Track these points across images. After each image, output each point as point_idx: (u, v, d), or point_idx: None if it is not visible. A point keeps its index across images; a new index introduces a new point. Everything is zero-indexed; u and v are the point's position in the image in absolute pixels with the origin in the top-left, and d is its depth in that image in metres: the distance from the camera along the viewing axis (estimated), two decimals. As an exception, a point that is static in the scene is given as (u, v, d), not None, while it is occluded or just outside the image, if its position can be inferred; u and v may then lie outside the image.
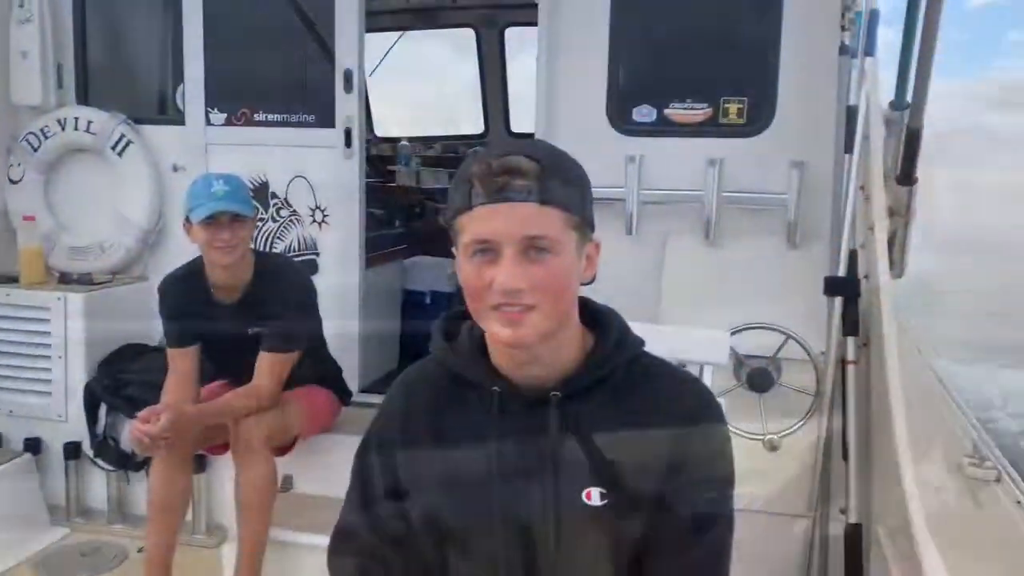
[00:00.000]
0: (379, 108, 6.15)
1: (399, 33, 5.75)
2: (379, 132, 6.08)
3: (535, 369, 1.10)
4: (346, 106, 3.33)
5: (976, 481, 2.42)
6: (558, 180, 1.01)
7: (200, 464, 2.94)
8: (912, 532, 1.78)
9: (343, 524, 1.23)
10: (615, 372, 1.12)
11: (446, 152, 5.91)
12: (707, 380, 1.62)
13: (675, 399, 1.11)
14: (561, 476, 1.08)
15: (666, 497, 1.07)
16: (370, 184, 4.01)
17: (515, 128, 5.75)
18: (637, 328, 1.20)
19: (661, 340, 1.57)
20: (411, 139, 5.86)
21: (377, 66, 5.76)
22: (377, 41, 5.62)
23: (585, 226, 1.06)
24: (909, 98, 2.45)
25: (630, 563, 1.10)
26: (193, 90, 3.51)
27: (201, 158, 3.51)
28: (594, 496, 1.07)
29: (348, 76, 3.31)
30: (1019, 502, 2.30)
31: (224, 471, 2.87)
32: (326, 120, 3.37)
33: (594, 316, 1.16)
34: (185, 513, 2.72)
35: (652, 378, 1.13)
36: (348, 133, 3.34)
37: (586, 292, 1.14)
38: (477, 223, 1.01)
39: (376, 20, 5.36)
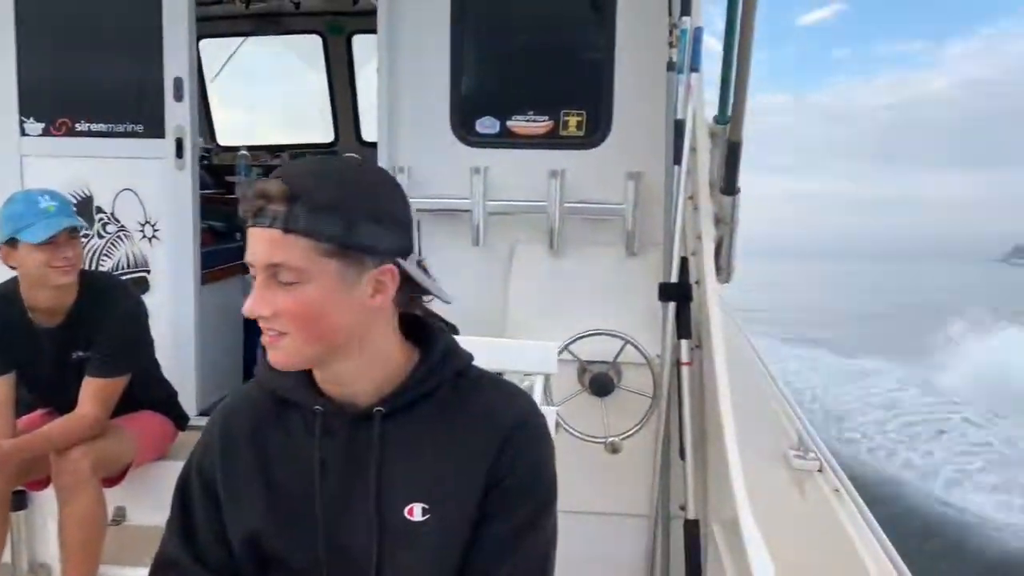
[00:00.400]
0: (223, 116, 5.93)
1: (243, 39, 5.56)
2: (222, 141, 5.84)
3: (354, 387, 1.09)
4: (176, 115, 3.18)
5: (800, 472, 2.59)
6: (308, 207, 0.98)
7: (20, 501, 2.71)
8: (739, 525, 1.87)
9: (163, 553, 1.17)
10: (440, 387, 1.11)
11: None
12: (538, 390, 1.65)
13: (497, 413, 1.11)
14: (383, 494, 1.08)
15: (488, 510, 1.07)
16: (209, 196, 3.84)
17: (366, 137, 5.67)
18: (468, 342, 1.20)
19: (493, 353, 1.58)
20: (258, 148, 5.66)
21: (219, 72, 5.55)
22: (224, 47, 5.44)
23: (356, 252, 1.01)
24: (731, 112, 2.59)
25: None
26: (3, 98, 3.24)
27: (15, 172, 3.24)
28: (416, 512, 1.07)
29: (178, 84, 3.15)
30: (837, 490, 2.48)
31: (47, 506, 2.66)
32: (155, 130, 3.20)
33: (421, 332, 1.16)
34: (1, 554, 2.50)
35: (476, 392, 1.14)
36: (179, 143, 3.18)
37: (438, 301, 1.14)
38: (248, 244, 1.02)
39: (217, 25, 5.17)
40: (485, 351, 1.27)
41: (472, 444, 1.09)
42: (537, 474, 1.12)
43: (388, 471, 1.08)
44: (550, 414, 1.56)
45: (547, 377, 1.69)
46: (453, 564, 1.08)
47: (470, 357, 1.17)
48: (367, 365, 1.09)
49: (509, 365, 1.61)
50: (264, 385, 1.15)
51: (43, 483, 2.59)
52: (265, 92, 6.30)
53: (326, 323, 1.02)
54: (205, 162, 4.94)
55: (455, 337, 1.19)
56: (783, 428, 2.95)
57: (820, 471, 2.56)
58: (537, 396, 1.64)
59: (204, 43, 5.59)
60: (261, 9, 5.17)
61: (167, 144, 3.20)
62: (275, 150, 5.85)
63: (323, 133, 5.87)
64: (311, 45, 5.70)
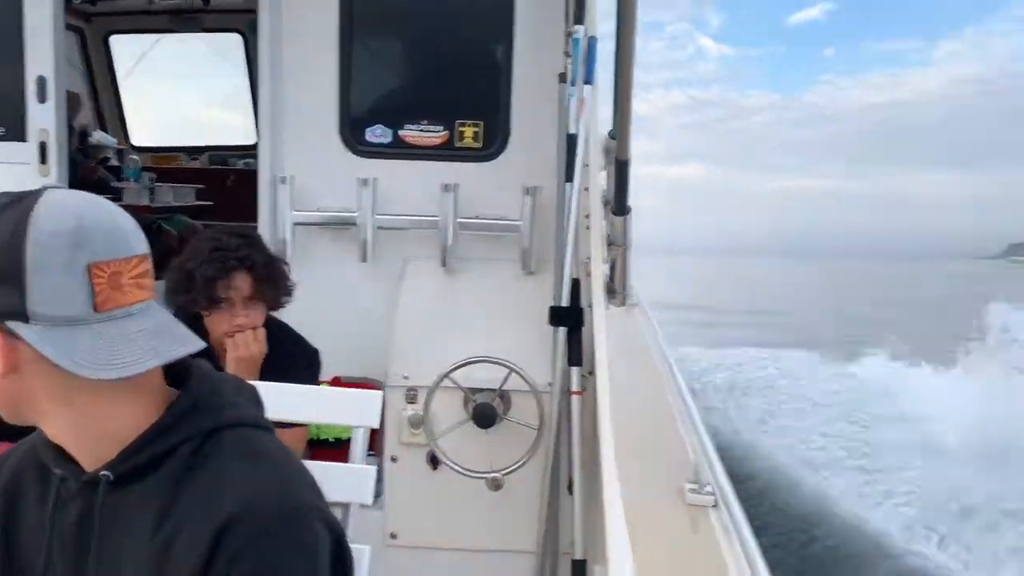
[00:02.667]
0: (142, 116, 5.69)
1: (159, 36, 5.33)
2: (137, 141, 5.60)
3: (74, 449, 0.95)
4: (40, 117, 2.94)
5: (694, 507, 2.45)
6: None
7: None
8: (610, 564, 1.74)
9: None
10: (176, 450, 0.94)
11: (213, 163, 5.52)
12: (359, 445, 1.46)
13: (236, 487, 0.91)
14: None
15: None
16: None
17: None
18: (279, 389, 1.01)
19: (307, 402, 1.40)
20: (177, 149, 5.43)
21: (132, 70, 5.32)
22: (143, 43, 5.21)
23: None
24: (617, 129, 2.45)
25: None
26: None
27: None
28: None
29: (41, 83, 2.92)
30: (728, 529, 2.35)
31: None
32: (16, 133, 2.96)
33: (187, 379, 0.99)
34: None
35: (214, 460, 0.94)
36: (43, 147, 2.95)
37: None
38: None
39: (133, 21, 4.93)
40: (298, 400, 1.09)
41: (188, 532, 0.90)
42: (280, 569, 0.89)
43: (108, 550, 0.93)
44: (369, 473, 1.39)
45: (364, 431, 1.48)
46: None
47: (236, 413, 0.98)
48: (69, 429, 0.93)
49: (324, 416, 1.43)
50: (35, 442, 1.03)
51: None
52: (184, 91, 6.07)
53: None
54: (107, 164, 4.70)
55: (256, 383, 1.04)
56: (686, 458, 2.81)
57: (715, 507, 2.43)
58: (357, 452, 1.45)
59: (115, 39, 5.35)
60: (169, 6, 4.93)
61: (30, 148, 2.96)
62: (194, 151, 5.63)
63: (245, 134, 5.65)
64: (232, 44, 5.49)
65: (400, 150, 2.91)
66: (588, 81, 2.52)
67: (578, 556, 2.35)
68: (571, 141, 2.53)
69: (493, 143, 2.89)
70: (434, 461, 2.60)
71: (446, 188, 2.81)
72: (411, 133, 2.90)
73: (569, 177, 2.53)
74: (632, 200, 2.74)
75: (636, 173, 2.68)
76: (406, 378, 2.65)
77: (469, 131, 2.89)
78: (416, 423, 2.60)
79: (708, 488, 2.54)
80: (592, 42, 2.53)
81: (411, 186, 2.88)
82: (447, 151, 2.89)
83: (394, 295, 2.85)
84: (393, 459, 2.65)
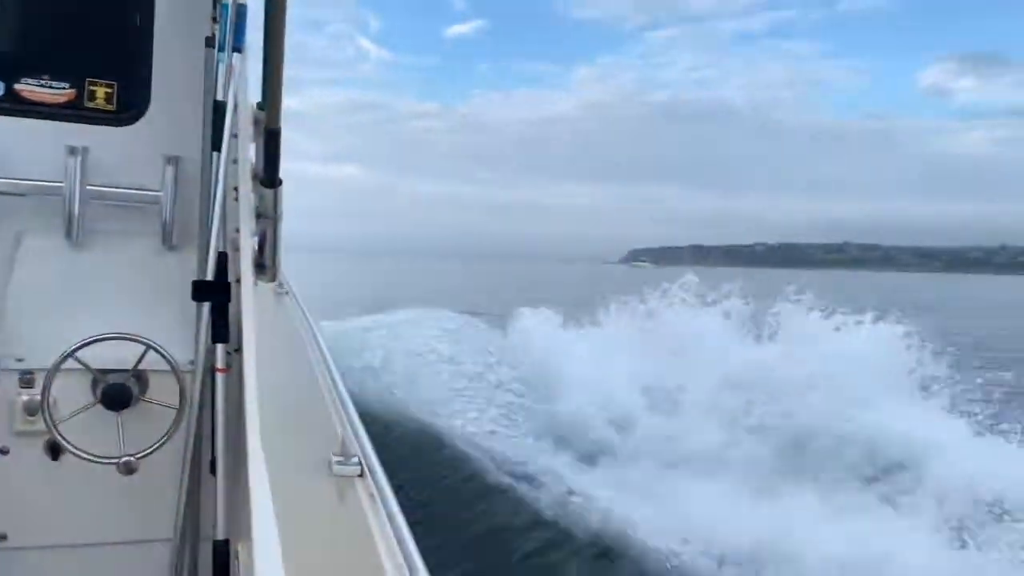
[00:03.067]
0: None
1: None
2: None
3: None
4: None
5: (342, 479, 2.51)
6: None
7: None
8: (255, 541, 1.72)
9: None
10: None
11: None
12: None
13: None
14: None
15: None
16: None
17: None
18: None
19: None
20: None
21: None
22: None
23: None
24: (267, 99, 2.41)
25: None
26: None
27: None
28: None
29: None
30: (372, 495, 2.44)
31: None
32: None
33: None
34: None
35: None
36: None
37: None
38: None
39: None
40: None
41: None
42: None
43: None
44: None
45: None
46: None
47: None
48: None
49: None
50: None
51: None
52: None
53: None
54: None
55: None
56: (333, 432, 2.86)
57: (360, 476, 2.50)
58: None
59: None
60: None
61: None
62: None
63: None
64: None
65: (15, 105, 2.57)
66: (237, 48, 2.46)
67: (220, 537, 2.29)
68: (218, 108, 2.44)
69: (130, 106, 2.67)
70: (54, 450, 2.35)
71: (72, 151, 2.55)
72: (30, 88, 2.58)
73: (216, 146, 2.44)
74: (287, 201, 2.71)
75: (292, 171, 2.66)
76: (20, 360, 2.37)
77: (101, 91, 2.64)
78: (32, 409, 2.33)
79: (355, 459, 2.62)
80: (242, 9, 2.46)
81: (28, 147, 2.56)
82: (74, 111, 2.61)
83: (4, 272, 2.51)
84: (3, 451, 2.34)
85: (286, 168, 2.58)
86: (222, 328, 2.40)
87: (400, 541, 2.11)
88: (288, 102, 2.41)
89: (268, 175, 2.44)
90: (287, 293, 3.53)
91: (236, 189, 2.56)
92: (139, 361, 2.35)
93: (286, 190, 2.65)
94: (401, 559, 2.01)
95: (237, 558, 2.25)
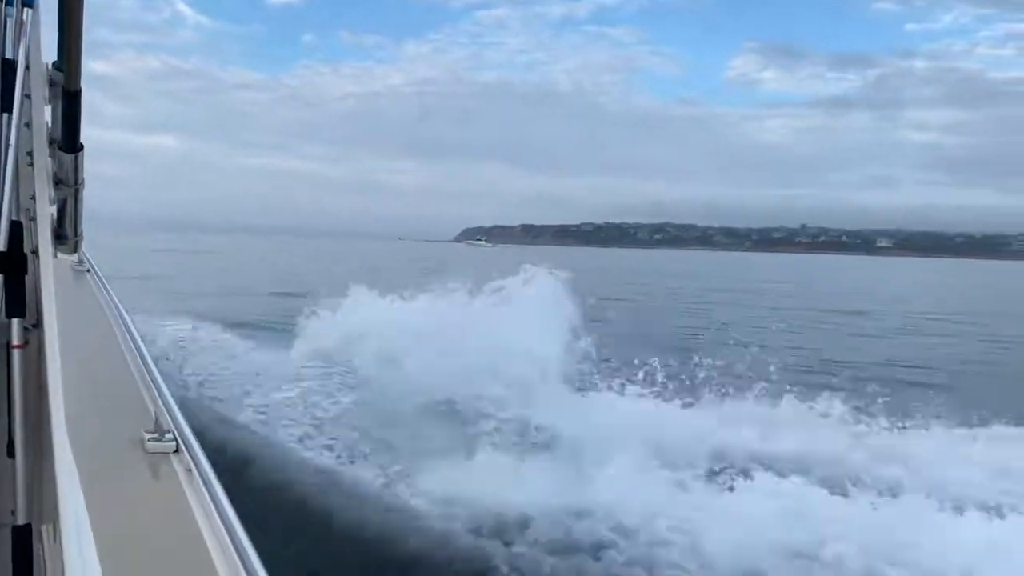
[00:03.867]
0: None
1: None
2: None
3: None
4: None
5: (156, 455, 2.43)
6: None
7: None
8: (62, 522, 1.66)
9: None
10: None
11: None
12: None
13: None
14: None
15: None
16: None
17: None
18: None
19: None
20: None
21: None
22: None
23: None
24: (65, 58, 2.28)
25: None
26: None
27: None
28: None
29: None
30: (190, 469, 2.39)
31: None
32: None
33: None
34: None
35: None
36: None
37: None
38: None
39: None
40: None
41: None
42: None
43: None
44: None
45: None
46: None
47: None
48: None
49: None
50: None
51: None
52: None
53: None
54: None
55: None
56: (145, 409, 2.75)
57: (176, 452, 2.44)
58: None
59: None
60: None
61: None
62: None
63: None
64: None
65: None
66: (28, 4, 2.29)
67: (20, 522, 2.17)
68: (8, 67, 2.27)
69: None
70: None
71: None
72: None
73: (7, 108, 2.28)
74: (97, 167, 2.57)
75: (102, 139, 2.51)
76: None
77: None
78: None
79: (169, 435, 2.55)
80: None
81: None
82: None
83: None
84: None
85: (92, 135, 2.46)
86: (17, 302, 2.26)
87: (221, 513, 2.10)
88: (93, 65, 2.30)
89: (67, 140, 2.30)
90: (89, 271, 3.35)
91: (30, 155, 2.40)
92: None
93: (90, 156, 2.52)
94: (223, 531, 2.00)
95: (41, 542, 2.15)
